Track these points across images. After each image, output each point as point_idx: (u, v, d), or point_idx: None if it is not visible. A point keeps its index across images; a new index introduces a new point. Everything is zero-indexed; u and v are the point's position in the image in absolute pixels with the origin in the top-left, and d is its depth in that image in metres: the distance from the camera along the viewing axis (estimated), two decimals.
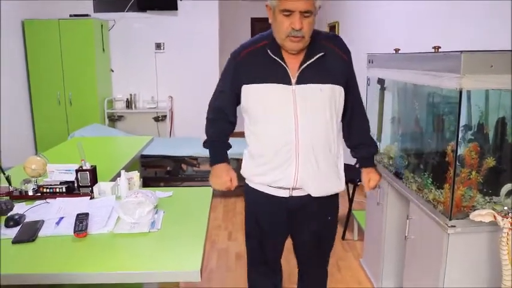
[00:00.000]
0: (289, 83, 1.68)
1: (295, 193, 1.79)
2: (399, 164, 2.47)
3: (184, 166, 5.04)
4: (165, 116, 6.29)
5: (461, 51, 1.66)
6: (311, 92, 1.69)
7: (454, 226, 1.78)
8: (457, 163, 1.83)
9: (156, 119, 6.28)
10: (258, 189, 1.85)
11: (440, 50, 2.00)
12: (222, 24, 6.66)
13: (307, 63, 1.68)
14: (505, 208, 1.63)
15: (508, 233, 1.57)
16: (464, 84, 1.67)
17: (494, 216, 1.61)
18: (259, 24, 7.89)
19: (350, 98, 1.81)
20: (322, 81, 1.69)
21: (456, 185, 1.80)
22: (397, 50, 2.49)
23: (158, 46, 6.22)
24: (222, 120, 1.91)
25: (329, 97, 1.70)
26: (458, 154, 1.84)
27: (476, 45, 2.32)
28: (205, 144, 1.95)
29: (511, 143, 1.94)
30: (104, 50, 5.89)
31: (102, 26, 5.81)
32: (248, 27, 7.89)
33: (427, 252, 2.00)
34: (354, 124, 1.89)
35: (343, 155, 1.85)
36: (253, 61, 1.75)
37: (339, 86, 1.73)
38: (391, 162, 2.58)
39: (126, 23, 6.13)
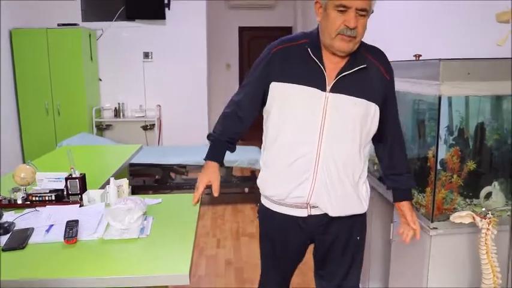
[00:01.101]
0: (323, 89, 1.55)
1: (314, 212, 1.66)
2: None
3: (172, 174, 5.05)
4: (154, 125, 6.30)
5: (439, 59, 1.72)
6: (344, 104, 1.55)
7: (436, 228, 1.83)
8: (439, 167, 1.89)
9: (145, 128, 6.29)
10: (273, 209, 1.73)
11: (421, 58, 2.07)
12: (210, 33, 6.71)
13: (347, 72, 1.54)
14: (483, 209, 1.69)
15: (486, 233, 1.63)
16: (443, 90, 1.73)
17: (473, 218, 1.67)
18: (247, 33, 7.96)
19: (389, 120, 1.68)
20: (358, 95, 1.56)
21: (437, 188, 1.86)
22: None
23: (146, 55, 6.25)
24: (234, 116, 1.76)
25: (362, 113, 1.57)
26: (440, 158, 1.90)
27: (466, 53, 2.39)
28: (208, 137, 1.83)
29: (490, 147, 2.01)
30: (92, 59, 5.90)
31: (90, 35, 5.83)
32: (236, 36, 7.95)
33: (411, 254, 2.05)
34: (394, 151, 1.75)
35: (366, 177, 1.72)
36: (290, 58, 1.60)
37: (374, 104, 1.59)
38: (375, 168, 2.64)
39: (114, 32, 6.15)
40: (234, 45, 7.95)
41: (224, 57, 7.86)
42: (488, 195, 1.89)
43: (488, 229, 1.63)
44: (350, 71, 1.55)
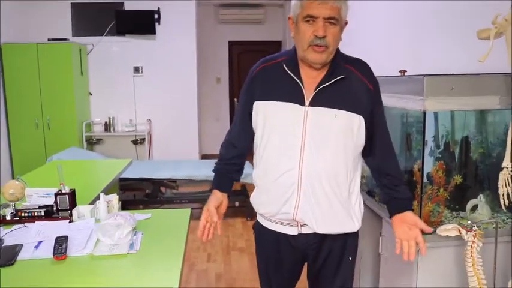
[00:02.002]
0: (302, 103, 1.55)
1: (305, 230, 1.65)
2: (371, 182, 2.55)
3: (163, 189, 5.04)
4: (144, 139, 6.30)
5: (424, 75, 1.76)
6: (324, 117, 1.54)
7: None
8: (426, 180, 1.92)
9: (135, 142, 6.29)
10: (266, 226, 1.73)
11: (406, 73, 2.11)
12: (200, 47, 6.76)
13: (325, 84, 1.54)
14: (469, 222, 1.71)
15: (472, 246, 1.65)
16: (428, 105, 1.76)
17: (459, 230, 1.69)
18: (237, 48, 8.02)
19: (378, 132, 1.64)
20: (339, 107, 1.54)
21: (424, 201, 1.88)
22: None
23: (136, 69, 6.28)
24: (229, 145, 1.79)
25: (344, 125, 1.55)
26: (426, 172, 1.93)
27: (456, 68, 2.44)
28: (215, 173, 1.82)
29: (475, 160, 2.05)
30: (82, 73, 5.91)
31: (80, 49, 5.85)
32: (226, 50, 8.00)
33: (399, 267, 2.06)
34: (387, 164, 1.70)
35: (359, 192, 1.69)
36: (268, 77, 1.63)
37: (358, 115, 1.56)
38: (363, 181, 2.66)
39: (105, 47, 6.18)
40: (224, 59, 8.01)
41: (214, 71, 7.91)
42: (474, 208, 1.92)
43: (474, 242, 1.65)
44: (328, 83, 1.54)
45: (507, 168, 1.67)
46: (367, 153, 1.69)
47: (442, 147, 2.06)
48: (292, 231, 1.66)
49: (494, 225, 1.78)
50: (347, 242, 1.72)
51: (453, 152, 2.06)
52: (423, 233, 1.62)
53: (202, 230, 1.67)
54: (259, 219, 1.78)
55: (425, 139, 1.85)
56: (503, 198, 1.70)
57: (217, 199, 1.73)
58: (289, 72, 1.57)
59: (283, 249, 1.73)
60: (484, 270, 1.68)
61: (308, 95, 1.55)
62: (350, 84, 1.57)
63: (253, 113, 1.65)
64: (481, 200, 1.93)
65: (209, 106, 7.68)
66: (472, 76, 1.86)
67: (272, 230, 1.71)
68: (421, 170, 1.87)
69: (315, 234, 1.64)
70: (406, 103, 1.93)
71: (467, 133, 2.01)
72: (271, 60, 1.66)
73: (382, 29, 3.54)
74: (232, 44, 8.03)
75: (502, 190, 1.69)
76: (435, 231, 1.84)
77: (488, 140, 2.03)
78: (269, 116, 1.60)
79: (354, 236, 1.74)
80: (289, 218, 1.62)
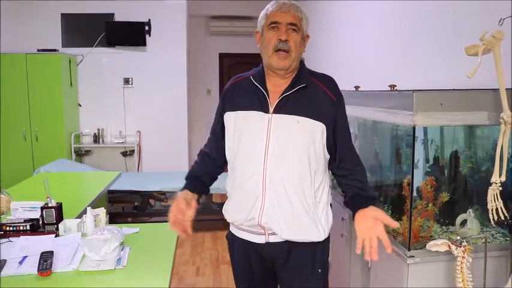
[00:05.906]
0: (267, 111, 1.62)
1: (272, 239, 1.67)
2: None
3: (152, 201, 5.00)
4: (133, 151, 6.25)
5: (413, 90, 1.77)
6: (287, 123, 1.60)
7: (413, 256, 1.85)
8: (415, 195, 1.92)
9: (124, 154, 6.23)
10: (237, 235, 1.77)
11: (395, 88, 2.12)
12: (190, 59, 6.76)
13: (288, 92, 1.61)
14: (459, 238, 1.71)
15: (461, 261, 1.65)
16: (417, 121, 1.77)
17: (449, 246, 1.69)
18: (227, 60, 8.03)
19: (342, 145, 1.67)
20: (301, 114, 1.60)
21: (413, 216, 1.88)
22: (357, 88, 2.61)
23: (126, 81, 6.25)
24: (209, 164, 1.85)
25: (307, 132, 1.60)
26: (416, 187, 1.93)
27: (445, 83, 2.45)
28: (186, 179, 1.83)
29: (464, 175, 2.06)
30: (71, 84, 5.87)
31: (70, 60, 5.81)
32: (216, 62, 8.00)
33: (388, 282, 2.06)
34: (354, 171, 1.68)
35: (326, 203, 1.70)
36: (238, 90, 1.73)
37: (320, 123, 1.61)
38: None
39: (95, 58, 6.14)
40: (215, 71, 8.00)
41: (205, 83, 7.89)
42: (464, 223, 1.92)
43: (463, 257, 1.65)
44: (291, 91, 1.62)
45: (496, 183, 1.68)
46: (335, 165, 1.70)
47: (431, 162, 2.07)
48: (259, 239, 1.70)
49: (483, 240, 1.79)
50: (315, 254, 1.72)
51: (442, 167, 2.07)
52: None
53: (173, 226, 1.59)
54: (231, 228, 1.82)
55: (415, 154, 1.85)
56: (492, 213, 1.70)
57: (187, 197, 1.68)
58: (256, 84, 1.67)
59: (252, 258, 1.76)
60: (474, 286, 1.68)
61: (273, 103, 1.63)
62: (313, 94, 1.65)
63: (224, 124, 1.74)
64: (470, 215, 1.93)
65: (199, 118, 7.66)
66: (461, 92, 1.88)
67: (241, 239, 1.75)
68: (411, 184, 1.87)
69: (282, 243, 1.67)
70: (395, 118, 1.93)
71: (457, 148, 2.03)
72: (242, 76, 1.78)
73: (374, 43, 3.56)
74: (223, 56, 8.04)
75: (491, 205, 1.70)
76: (425, 246, 1.84)
77: (477, 154, 2.04)
78: (237, 125, 1.68)
79: (323, 248, 1.74)
80: (256, 223, 1.65)
